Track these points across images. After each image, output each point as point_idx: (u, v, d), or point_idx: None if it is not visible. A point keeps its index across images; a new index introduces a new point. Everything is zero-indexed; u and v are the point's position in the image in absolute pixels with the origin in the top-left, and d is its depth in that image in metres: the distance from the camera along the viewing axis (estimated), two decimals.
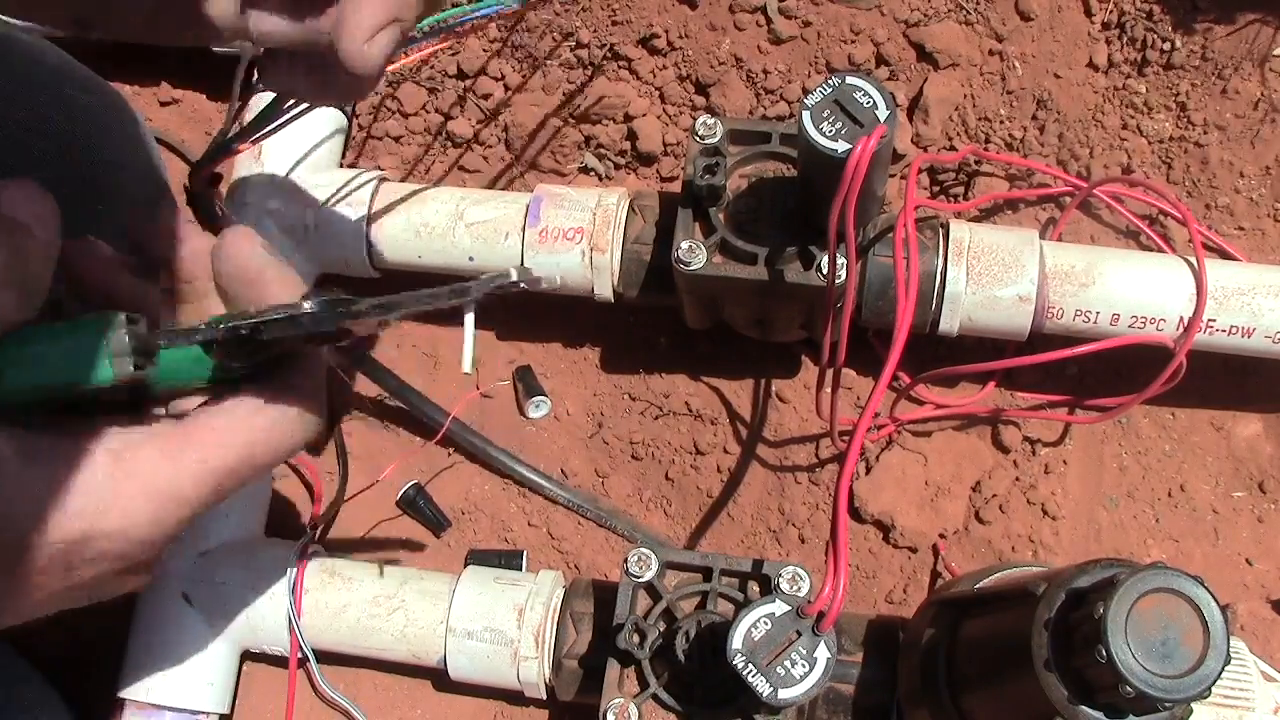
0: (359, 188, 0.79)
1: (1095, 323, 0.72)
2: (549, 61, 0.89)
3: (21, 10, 0.49)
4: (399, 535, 0.84)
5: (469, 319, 0.40)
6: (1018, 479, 0.80)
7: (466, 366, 0.41)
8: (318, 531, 0.77)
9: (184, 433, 0.40)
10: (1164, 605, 0.47)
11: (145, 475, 0.39)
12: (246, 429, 0.41)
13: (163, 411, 0.45)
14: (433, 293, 0.38)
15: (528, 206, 0.76)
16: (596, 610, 0.69)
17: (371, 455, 0.86)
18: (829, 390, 0.71)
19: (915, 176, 0.70)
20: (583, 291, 0.77)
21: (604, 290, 0.76)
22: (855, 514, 0.81)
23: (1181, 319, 0.70)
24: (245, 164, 0.81)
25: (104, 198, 0.68)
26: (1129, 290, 0.71)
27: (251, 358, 0.41)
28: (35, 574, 0.38)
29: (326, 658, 0.76)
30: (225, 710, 0.76)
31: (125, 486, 0.39)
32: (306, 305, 0.39)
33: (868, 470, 0.81)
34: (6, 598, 0.39)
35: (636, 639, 0.61)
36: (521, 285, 0.38)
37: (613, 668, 0.62)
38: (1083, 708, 0.49)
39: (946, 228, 0.73)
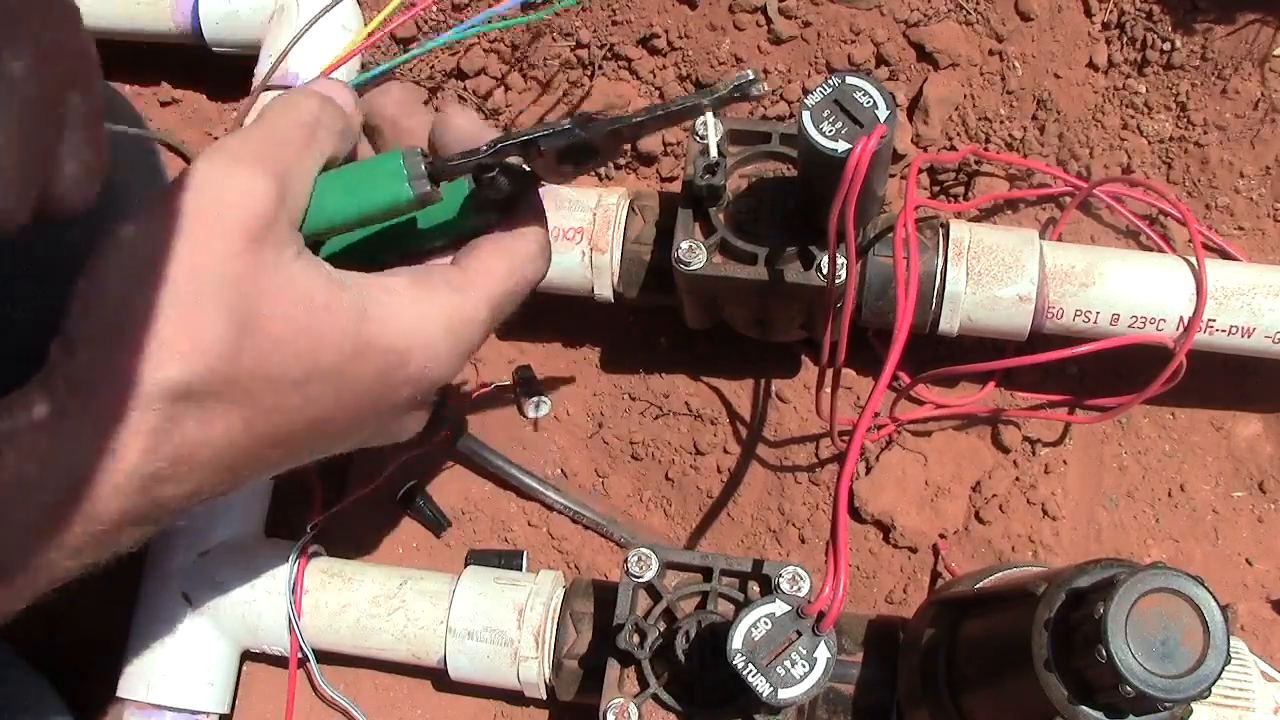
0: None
1: (1095, 323, 0.72)
2: (549, 61, 0.89)
3: None
4: (399, 535, 0.84)
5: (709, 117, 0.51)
6: (1018, 479, 0.80)
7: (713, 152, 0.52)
8: (318, 531, 0.77)
9: (461, 267, 0.48)
10: (1164, 605, 0.47)
11: (440, 302, 0.46)
12: (508, 257, 0.49)
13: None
14: (677, 103, 0.45)
15: None
16: (596, 610, 0.69)
17: (372, 455, 0.85)
18: (829, 390, 0.71)
19: (915, 176, 0.70)
20: (583, 291, 0.77)
21: (604, 290, 0.76)
22: (855, 514, 0.81)
23: (1181, 319, 0.70)
24: None
25: (103, 200, 0.68)
26: (1129, 290, 0.71)
27: (502, 193, 0.48)
28: (364, 390, 0.45)
29: (326, 658, 0.76)
30: (225, 710, 0.76)
31: (427, 310, 0.46)
32: (563, 123, 0.46)
33: (868, 470, 0.81)
34: (336, 409, 0.45)
35: (636, 639, 0.61)
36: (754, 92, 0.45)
37: (613, 668, 0.62)
38: (1083, 708, 0.49)
39: (946, 228, 0.73)
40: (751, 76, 0.44)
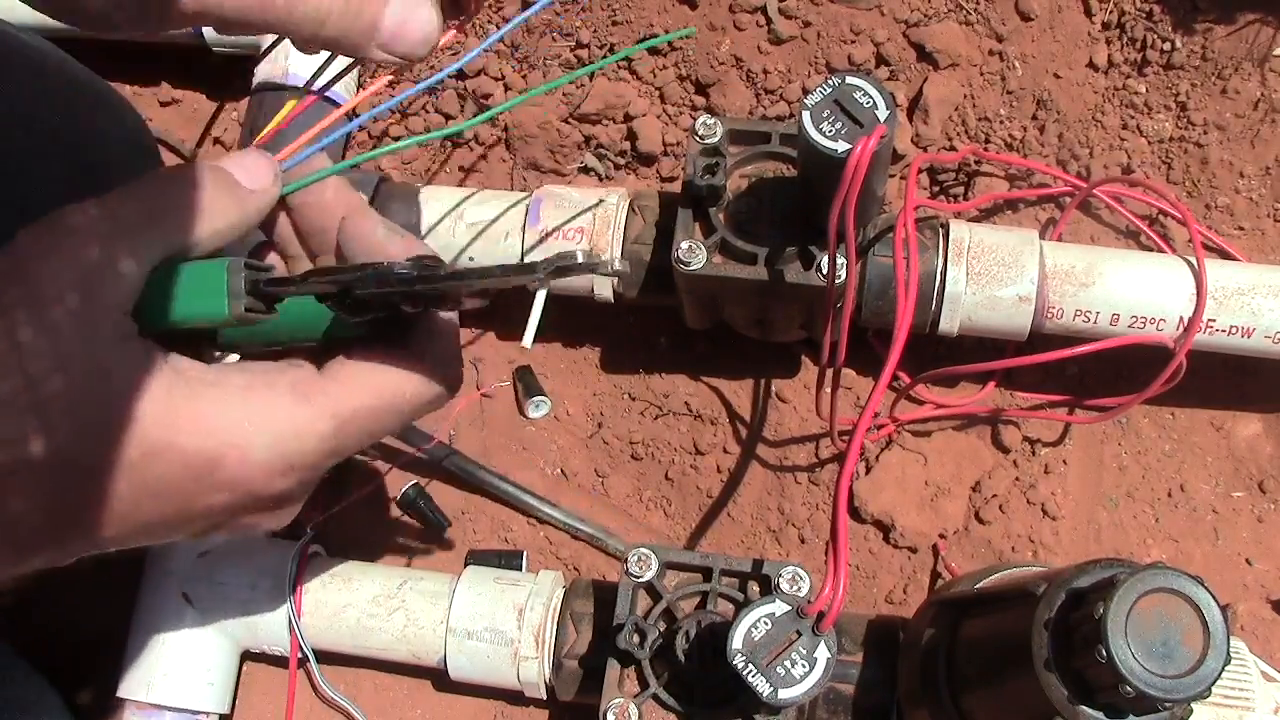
0: (360, 188, 0.79)
1: (1095, 323, 0.72)
2: (549, 61, 0.89)
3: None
4: (399, 535, 0.84)
5: (540, 295, 0.42)
6: (1018, 479, 0.80)
7: (528, 342, 0.43)
8: (318, 531, 0.77)
9: (317, 373, 0.43)
10: (1164, 605, 0.47)
11: (274, 409, 0.41)
12: (378, 373, 0.43)
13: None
14: (517, 266, 0.41)
15: (528, 206, 0.76)
16: (596, 610, 0.69)
17: (372, 455, 0.85)
18: (829, 390, 0.71)
19: (915, 176, 0.70)
20: (583, 291, 0.77)
21: (604, 290, 0.76)
22: (855, 514, 0.81)
23: (1181, 319, 0.70)
24: None
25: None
26: (1129, 290, 0.71)
27: (359, 314, 0.43)
28: (164, 487, 0.40)
29: (326, 658, 0.76)
30: (225, 710, 0.76)
31: (255, 414, 0.40)
32: (398, 266, 0.41)
33: (868, 470, 0.81)
34: (131, 505, 0.40)
35: (636, 639, 0.61)
36: (595, 268, 0.40)
37: (613, 668, 0.62)
38: (1083, 708, 0.49)
39: (946, 228, 0.73)
40: (580, 259, 0.40)
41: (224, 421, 0.40)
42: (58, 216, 0.39)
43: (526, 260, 0.41)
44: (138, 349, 0.39)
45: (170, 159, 0.92)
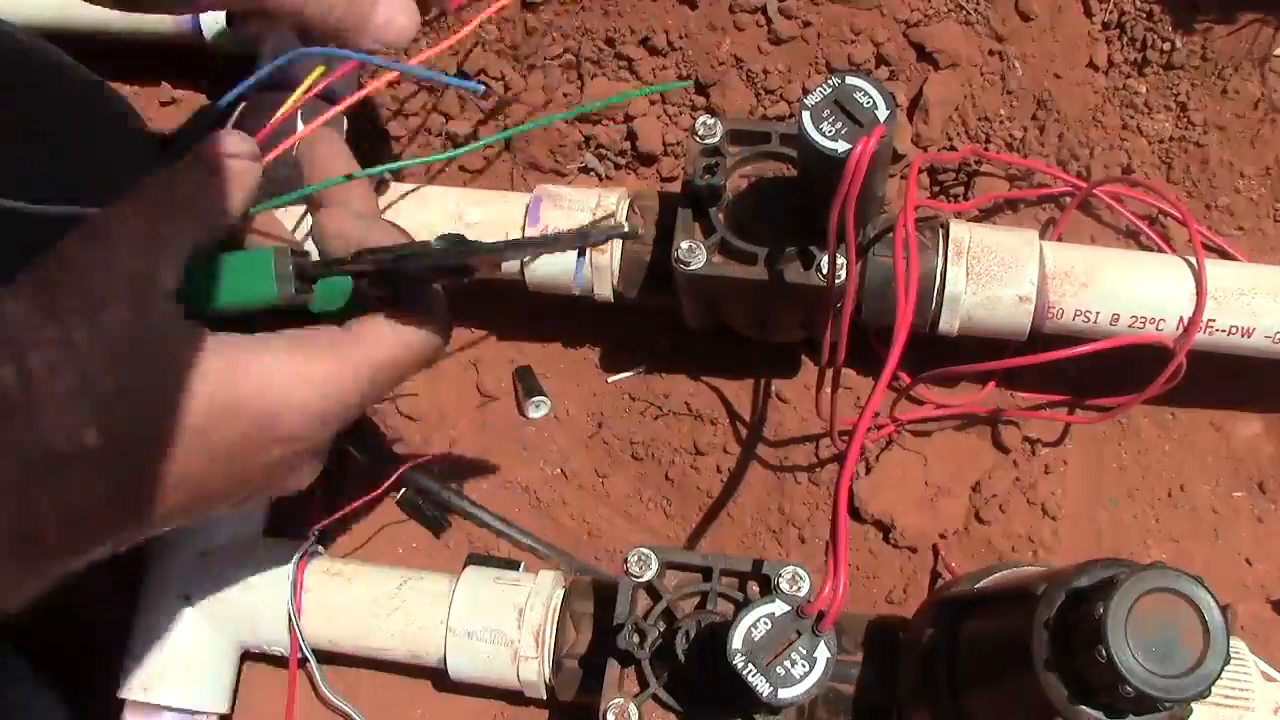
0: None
1: (1095, 323, 0.72)
2: (549, 61, 0.89)
3: None
4: (399, 535, 0.84)
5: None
6: (1018, 479, 0.80)
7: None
8: (318, 532, 0.77)
9: (346, 329, 0.49)
10: (1164, 605, 0.47)
11: (317, 365, 0.47)
12: (397, 328, 0.49)
13: None
14: (552, 237, 0.48)
15: (527, 206, 0.76)
16: (596, 610, 0.69)
17: (373, 458, 0.85)
18: (829, 390, 0.71)
19: (915, 176, 0.70)
20: (582, 291, 0.77)
21: (604, 290, 0.76)
22: (855, 514, 0.81)
23: (1181, 319, 0.70)
24: None
25: (103, 199, 0.68)
26: (1129, 290, 0.71)
27: (386, 288, 0.50)
28: (230, 448, 0.45)
29: (326, 658, 0.76)
30: (225, 710, 0.76)
31: (302, 371, 0.46)
32: (434, 243, 0.49)
33: (868, 470, 0.81)
34: (199, 474, 0.45)
35: (636, 639, 0.61)
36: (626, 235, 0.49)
37: (613, 668, 0.62)
38: (1082, 707, 0.49)
39: (946, 228, 0.73)
40: (625, 229, 0.51)
41: (278, 380, 0.45)
42: (101, 223, 0.44)
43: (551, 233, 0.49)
44: (188, 332, 0.44)
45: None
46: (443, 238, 0.49)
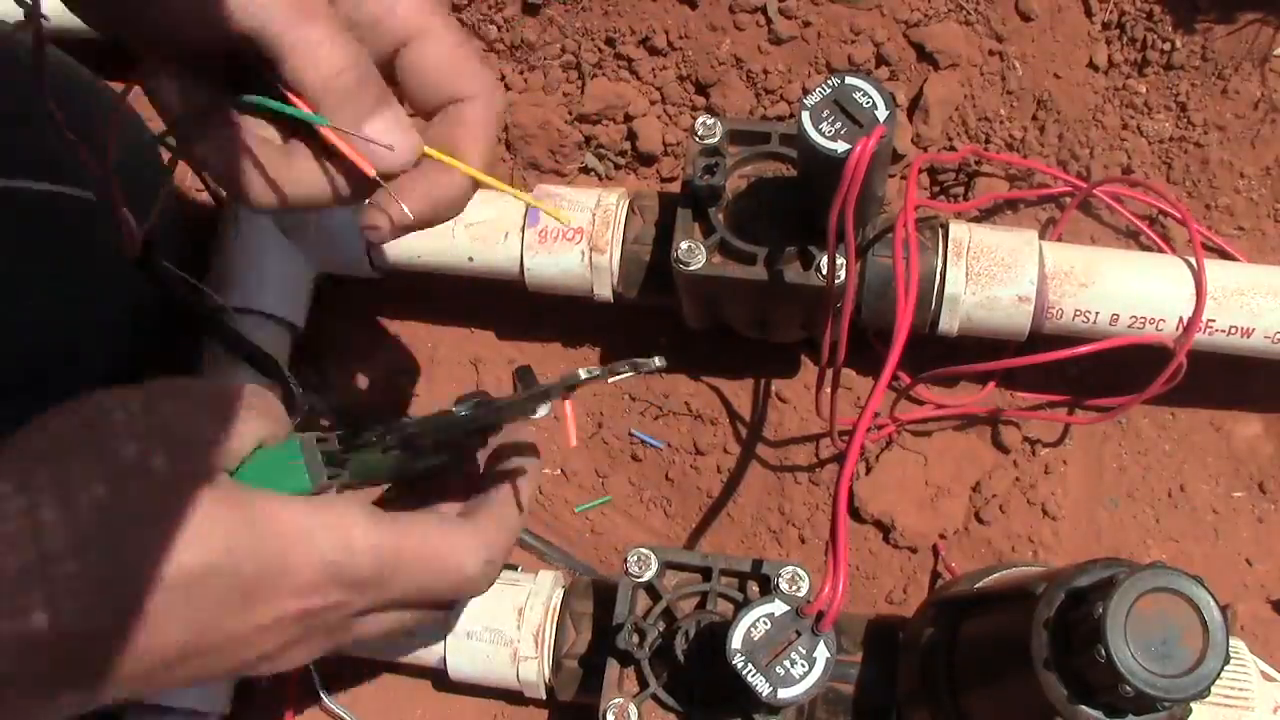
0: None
1: (1095, 323, 0.72)
2: (549, 61, 0.89)
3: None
4: None
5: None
6: (1018, 479, 0.80)
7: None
8: None
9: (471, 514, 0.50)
10: (1163, 605, 0.47)
11: (344, 517, 0.45)
12: (424, 543, 0.48)
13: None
14: (580, 376, 0.49)
15: (527, 206, 0.76)
16: (596, 610, 0.69)
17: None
18: (829, 390, 0.71)
19: (915, 176, 0.70)
20: (582, 291, 0.77)
21: (604, 290, 0.76)
22: (855, 514, 0.81)
23: (1181, 319, 0.70)
24: None
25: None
26: (1129, 290, 0.71)
27: (422, 458, 0.50)
28: (222, 602, 0.41)
29: (326, 658, 0.75)
30: (225, 711, 0.76)
31: (332, 519, 0.44)
32: (459, 410, 0.49)
33: (868, 470, 0.81)
34: (177, 649, 0.41)
35: (636, 639, 0.61)
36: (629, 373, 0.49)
37: (612, 667, 0.62)
38: (1082, 707, 0.49)
39: (946, 228, 0.73)
40: (654, 363, 0.49)
41: (300, 522, 0.43)
42: (97, 408, 0.41)
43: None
44: (197, 479, 0.41)
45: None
46: (464, 399, 0.50)
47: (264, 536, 0.42)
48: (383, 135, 0.45)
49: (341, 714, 0.78)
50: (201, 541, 0.40)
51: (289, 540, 0.42)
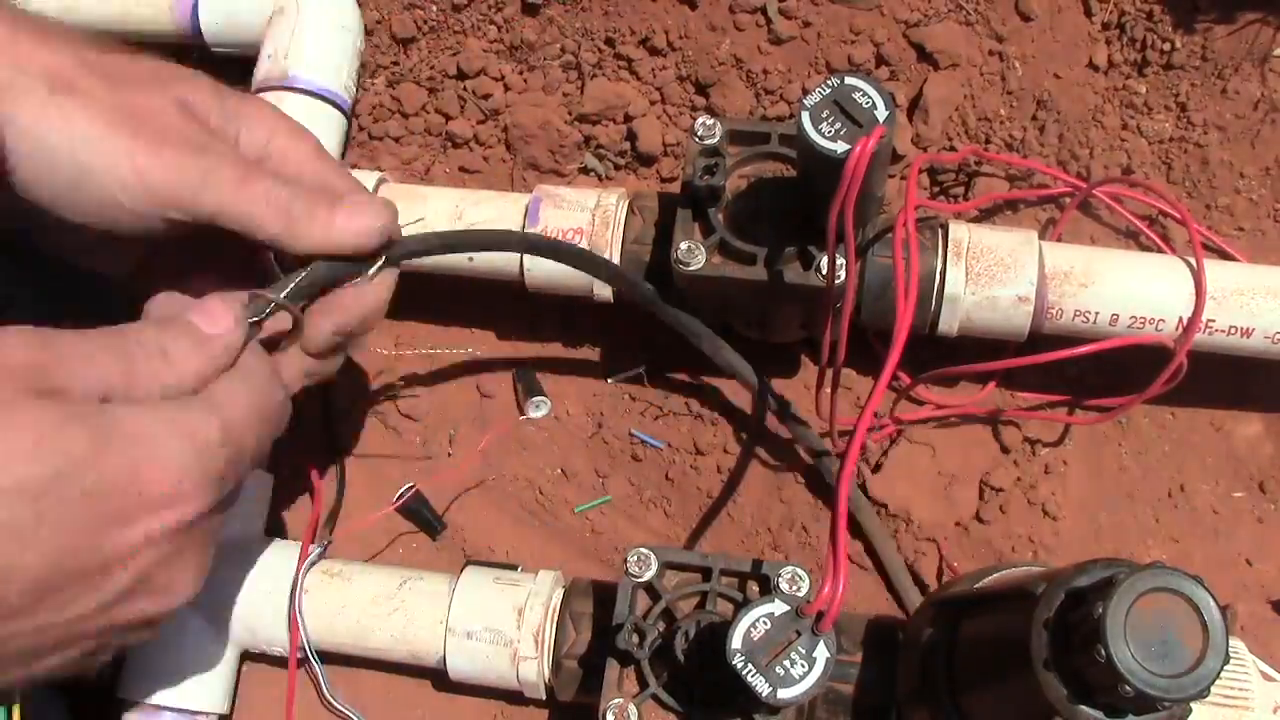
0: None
1: (1095, 323, 0.72)
2: (549, 61, 0.89)
3: None
4: (399, 535, 0.84)
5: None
6: (1018, 479, 0.80)
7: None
8: (317, 532, 0.77)
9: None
10: (1163, 605, 0.47)
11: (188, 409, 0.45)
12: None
13: None
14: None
15: (527, 206, 0.76)
16: (596, 610, 0.69)
17: (371, 456, 0.86)
18: (829, 390, 0.71)
19: (915, 176, 0.70)
20: (582, 292, 0.77)
21: (604, 290, 0.76)
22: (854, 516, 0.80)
23: (1181, 319, 0.70)
24: None
25: None
26: (1128, 290, 0.71)
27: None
28: (62, 538, 0.39)
29: (326, 658, 0.75)
30: (225, 710, 0.76)
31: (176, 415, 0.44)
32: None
33: (874, 470, 0.81)
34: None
35: (636, 639, 0.61)
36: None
37: (612, 668, 0.62)
38: (1082, 707, 0.49)
39: (946, 228, 0.73)
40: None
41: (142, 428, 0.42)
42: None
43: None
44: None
45: None
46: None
47: (112, 441, 0.40)
48: (351, 224, 0.52)
49: (347, 713, 0.78)
50: (45, 451, 0.38)
51: (140, 445, 0.41)
